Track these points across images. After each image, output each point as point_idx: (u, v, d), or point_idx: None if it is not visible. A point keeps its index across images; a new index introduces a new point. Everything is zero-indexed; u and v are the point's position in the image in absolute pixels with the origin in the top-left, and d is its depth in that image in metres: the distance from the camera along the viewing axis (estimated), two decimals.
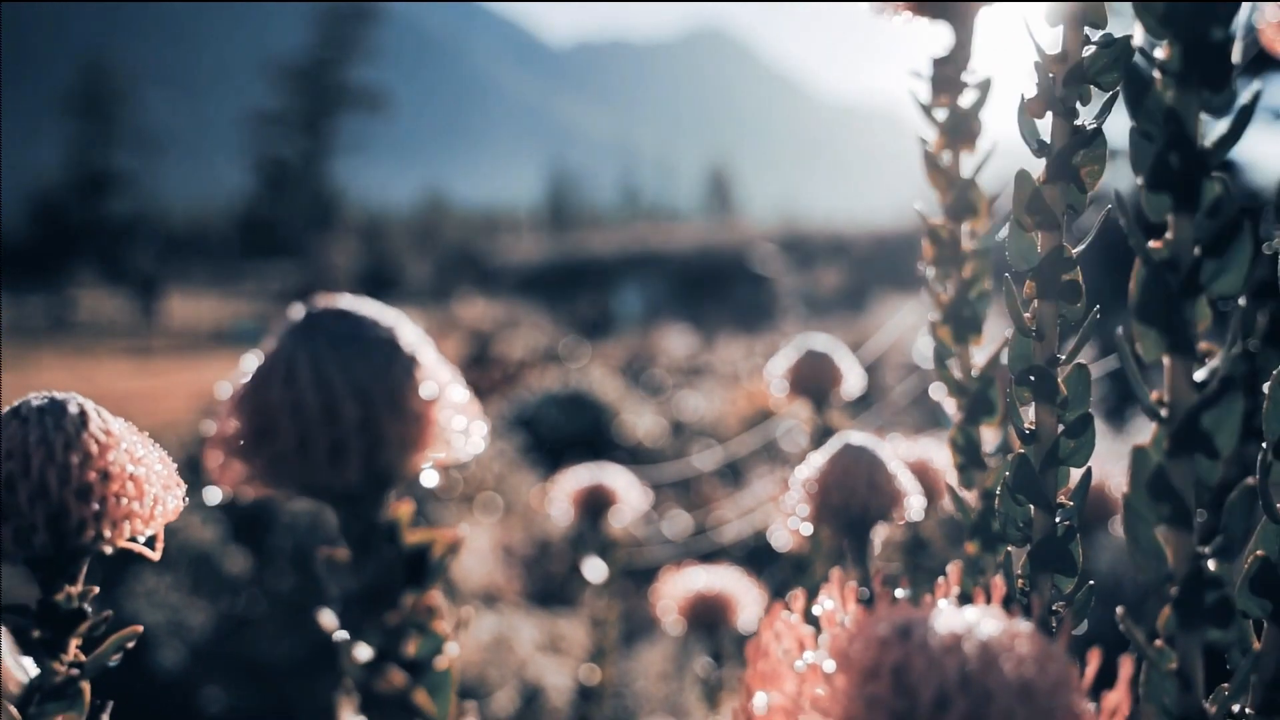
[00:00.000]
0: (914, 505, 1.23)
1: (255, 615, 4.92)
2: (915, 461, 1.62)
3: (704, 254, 35.42)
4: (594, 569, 2.41)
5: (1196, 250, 0.61)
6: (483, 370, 11.65)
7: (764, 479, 6.51)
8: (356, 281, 38.80)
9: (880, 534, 1.34)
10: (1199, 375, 0.61)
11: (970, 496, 1.03)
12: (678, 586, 2.10)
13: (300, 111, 53.25)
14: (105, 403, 0.73)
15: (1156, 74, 0.62)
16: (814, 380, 1.76)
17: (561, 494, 2.38)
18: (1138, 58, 0.63)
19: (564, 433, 8.83)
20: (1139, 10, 0.61)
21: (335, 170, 53.82)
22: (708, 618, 2.08)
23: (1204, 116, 0.62)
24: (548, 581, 6.08)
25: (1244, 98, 0.61)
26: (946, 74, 1.02)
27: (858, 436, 1.24)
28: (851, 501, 1.16)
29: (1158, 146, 0.61)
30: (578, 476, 2.41)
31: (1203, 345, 0.62)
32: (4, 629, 0.65)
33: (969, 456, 1.02)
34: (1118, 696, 0.56)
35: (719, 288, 30.39)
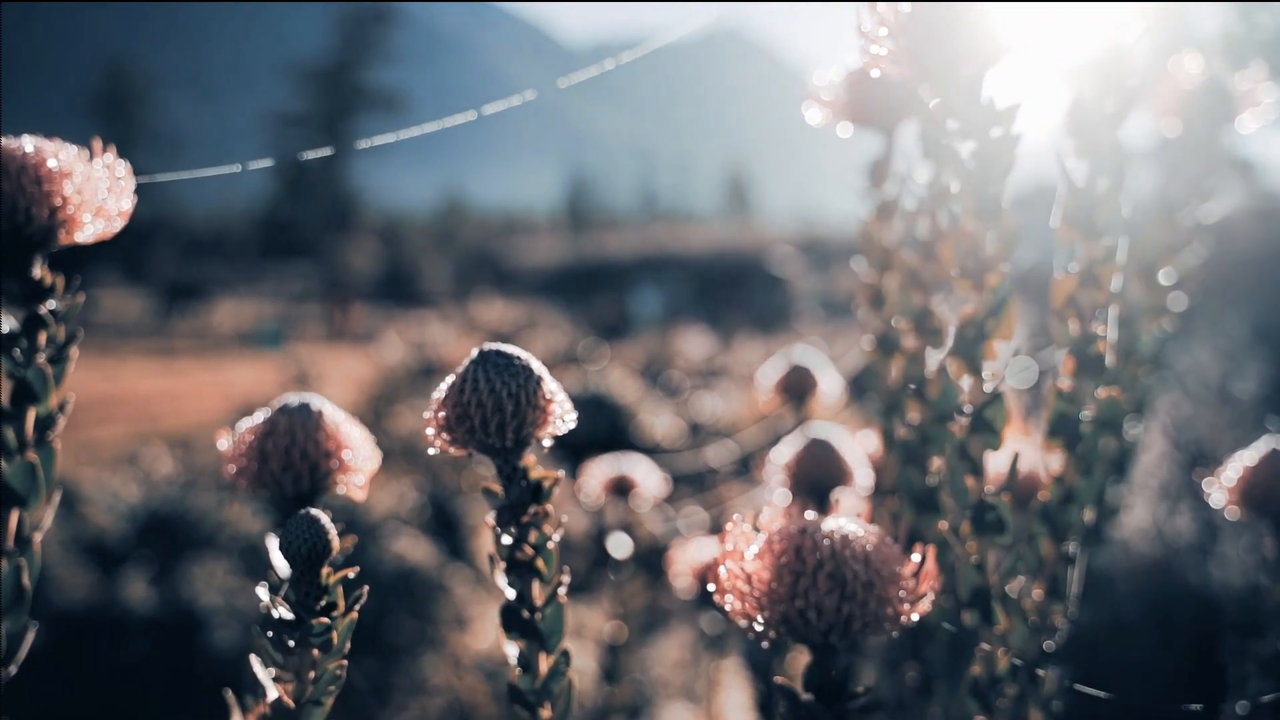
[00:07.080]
0: (861, 478, 1.67)
1: None
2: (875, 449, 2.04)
3: (721, 256, 35.51)
4: (619, 544, 2.83)
5: (984, 314, 1.05)
6: None
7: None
8: (376, 283, 39.22)
9: (842, 500, 1.78)
10: (986, 387, 1.05)
11: (890, 468, 1.46)
12: (690, 555, 2.53)
13: (319, 113, 53.65)
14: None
15: (961, 210, 1.05)
16: (797, 388, 2.19)
17: (592, 480, 2.81)
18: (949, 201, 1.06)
19: (583, 433, 9.14)
20: (950, 174, 1.05)
21: (354, 172, 54.14)
22: None
23: (989, 235, 1.05)
24: (570, 575, 6.48)
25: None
26: (877, 170, 1.46)
27: (820, 429, 1.69)
28: (812, 475, 1.61)
29: (962, 252, 1.04)
30: (605, 466, 2.85)
31: (990, 372, 1.05)
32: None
33: (890, 440, 1.45)
34: (929, 566, 1.00)
35: (736, 290, 30.49)
